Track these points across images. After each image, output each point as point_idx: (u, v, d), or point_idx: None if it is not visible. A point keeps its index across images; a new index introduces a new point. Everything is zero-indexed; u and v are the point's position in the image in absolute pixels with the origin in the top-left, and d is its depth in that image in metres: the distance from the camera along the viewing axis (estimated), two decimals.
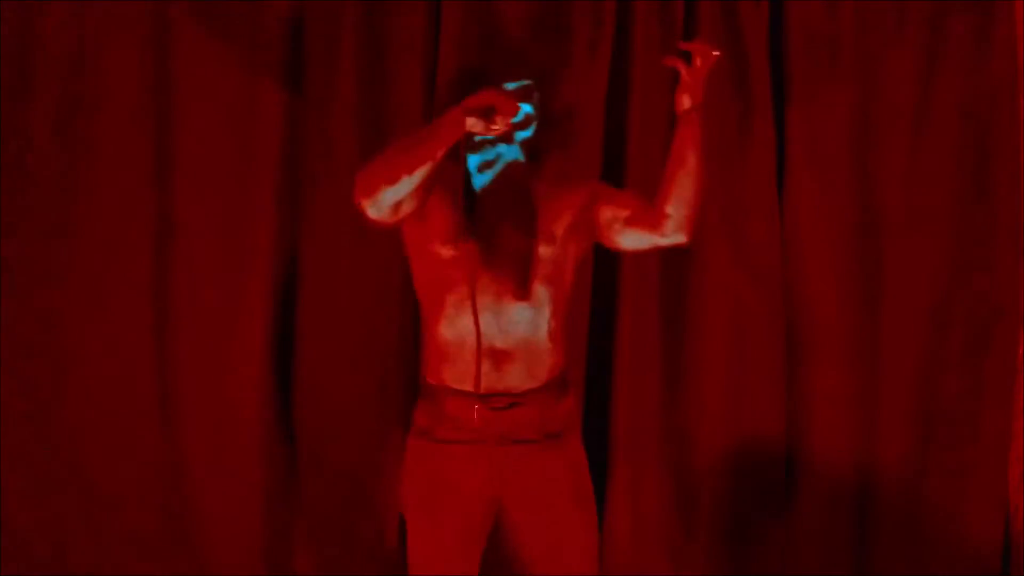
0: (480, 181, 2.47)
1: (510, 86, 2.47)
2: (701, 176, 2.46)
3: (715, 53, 2.44)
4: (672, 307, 3.39)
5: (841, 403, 3.45)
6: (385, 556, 3.35)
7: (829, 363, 3.44)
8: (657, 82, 3.30)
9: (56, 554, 3.36)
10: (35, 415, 3.32)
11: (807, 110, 3.38)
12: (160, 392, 3.35)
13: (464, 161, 2.49)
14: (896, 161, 3.42)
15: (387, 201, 2.34)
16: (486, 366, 2.48)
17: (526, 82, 2.48)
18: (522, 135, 2.47)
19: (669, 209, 2.47)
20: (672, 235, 2.51)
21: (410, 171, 2.31)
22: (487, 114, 2.33)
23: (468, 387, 2.49)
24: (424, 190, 2.39)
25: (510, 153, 2.47)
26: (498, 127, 2.36)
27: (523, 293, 2.47)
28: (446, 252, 2.50)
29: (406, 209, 2.40)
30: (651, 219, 2.50)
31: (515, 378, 2.50)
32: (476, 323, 2.47)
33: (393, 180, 2.32)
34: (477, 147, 2.48)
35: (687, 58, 2.47)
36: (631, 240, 2.56)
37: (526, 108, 2.44)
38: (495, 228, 2.48)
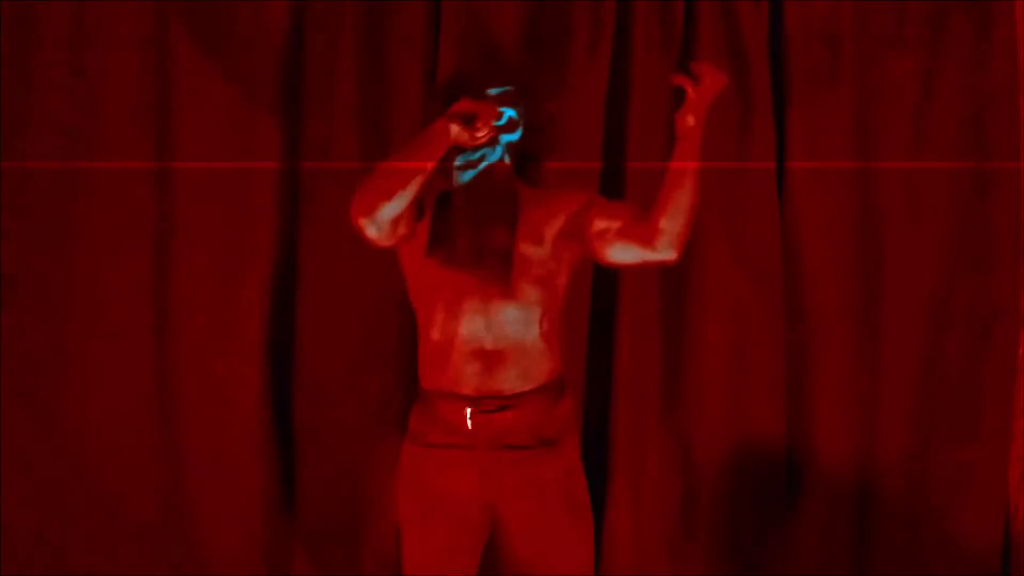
0: (461, 180, 2.48)
1: (493, 92, 2.47)
2: (697, 195, 2.44)
3: (722, 80, 2.43)
4: (672, 307, 3.39)
5: (841, 403, 3.44)
6: (385, 557, 3.35)
7: (829, 363, 3.44)
8: (657, 82, 3.30)
9: (56, 554, 3.35)
10: (35, 416, 3.32)
11: (807, 110, 3.38)
12: (160, 392, 3.34)
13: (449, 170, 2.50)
14: (896, 160, 3.42)
15: (385, 217, 2.37)
16: (477, 368, 2.48)
17: (508, 88, 2.49)
18: (507, 138, 2.48)
19: (663, 224, 2.43)
20: (663, 251, 2.46)
21: (403, 186, 2.35)
22: (469, 121, 2.36)
23: (459, 390, 2.49)
24: (418, 207, 2.46)
25: (494, 155, 2.47)
26: (481, 134, 2.38)
27: (506, 291, 2.47)
28: (432, 256, 2.51)
29: (403, 229, 2.47)
30: (644, 232, 2.47)
31: (507, 380, 2.49)
32: (465, 325, 2.47)
33: (389, 195, 2.35)
34: (462, 148, 2.48)
35: (694, 78, 2.46)
36: (621, 253, 2.52)
37: (509, 112, 2.45)
38: (475, 228, 2.48)
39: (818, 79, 3.37)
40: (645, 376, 3.39)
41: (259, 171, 3.32)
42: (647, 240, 2.46)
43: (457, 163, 2.47)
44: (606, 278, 3.32)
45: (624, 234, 2.49)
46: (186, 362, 3.34)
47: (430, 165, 2.36)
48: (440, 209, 2.51)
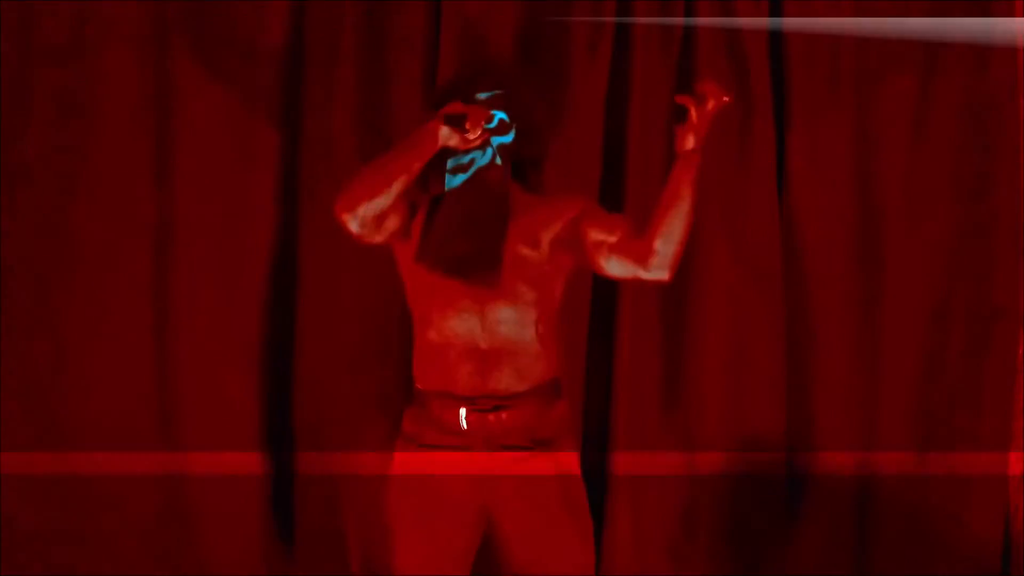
0: (452, 183, 2.48)
1: (482, 95, 2.47)
2: (692, 217, 2.43)
3: (726, 98, 2.40)
4: (672, 307, 3.39)
5: (841, 403, 3.44)
6: (384, 558, 3.35)
7: (829, 363, 3.44)
8: (657, 82, 3.31)
9: (56, 554, 3.35)
10: (35, 415, 3.32)
11: (807, 110, 3.38)
12: (160, 392, 3.34)
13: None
14: (896, 161, 3.42)
15: (367, 214, 2.39)
16: (471, 368, 2.48)
17: (498, 91, 2.49)
18: (499, 140, 2.48)
19: (657, 245, 2.42)
20: (655, 271, 2.45)
21: (387, 185, 2.37)
22: (458, 124, 2.36)
23: (454, 389, 2.49)
24: (406, 205, 2.47)
25: (483, 158, 2.47)
26: (472, 137, 2.38)
27: (497, 292, 2.46)
28: (420, 260, 2.51)
29: (391, 226, 2.47)
30: (638, 251, 2.45)
31: (502, 380, 2.49)
32: (460, 325, 2.47)
33: (371, 195, 2.37)
34: (453, 151, 2.48)
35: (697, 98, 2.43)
36: (615, 267, 2.51)
37: (500, 115, 2.45)
38: (464, 231, 2.48)
39: (818, 79, 3.37)
40: (645, 376, 3.39)
41: (259, 171, 3.32)
42: (641, 259, 2.45)
43: (447, 166, 2.47)
44: (606, 279, 3.32)
45: (619, 250, 2.48)
46: (186, 362, 3.34)
47: (416, 166, 2.38)
48: (431, 212, 2.52)
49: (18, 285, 3.29)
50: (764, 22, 3.35)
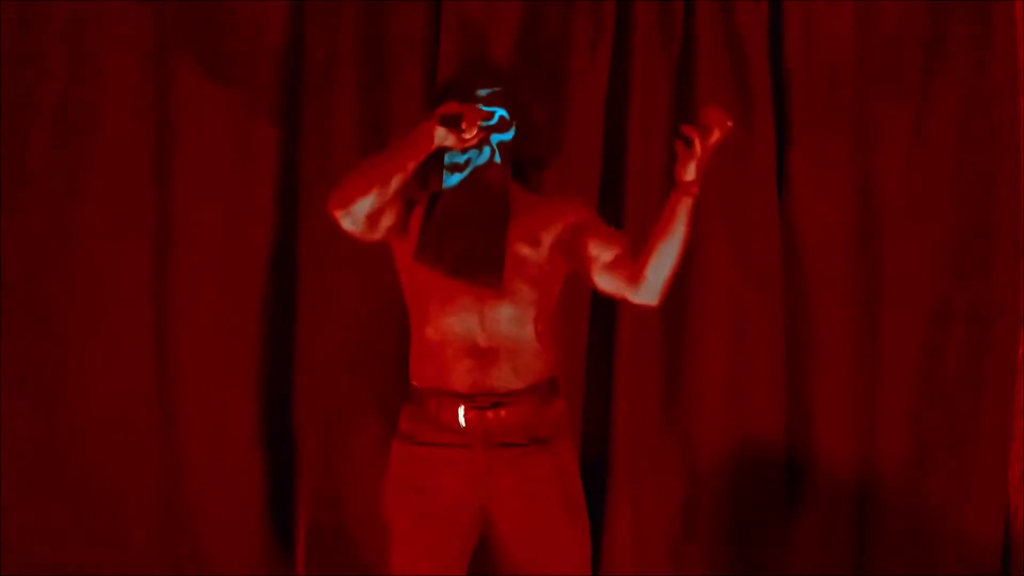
0: (451, 182, 2.48)
1: (481, 93, 2.47)
2: (685, 248, 2.44)
3: (729, 123, 2.38)
4: (672, 307, 3.39)
5: (841, 403, 3.45)
6: (384, 558, 3.35)
7: (829, 363, 3.44)
8: (657, 82, 3.31)
9: (56, 554, 3.35)
10: (35, 415, 3.32)
11: (807, 110, 3.38)
12: (160, 392, 3.34)
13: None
14: (896, 161, 3.42)
15: (360, 212, 2.40)
16: (470, 365, 2.48)
17: (496, 88, 2.49)
18: (499, 138, 2.48)
19: (648, 273, 2.44)
20: (644, 297, 2.48)
21: (381, 183, 2.37)
22: (455, 124, 2.36)
23: (452, 387, 2.49)
24: (401, 203, 2.47)
25: (481, 156, 2.47)
26: (469, 136, 2.38)
27: (498, 288, 2.46)
28: (418, 259, 2.51)
29: (385, 223, 2.48)
30: (629, 275, 2.47)
31: (500, 378, 2.49)
32: (459, 322, 2.47)
33: (364, 192, 2.38)
34: (450, 150, 2.48)
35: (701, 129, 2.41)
36: (605, 284, 2.53)
37: (500, 112, 2.45)
38: (462, 230, 2.48)
39: (818, 79, 3.37)
40: (645, 376, 3.39)
41: (259, 171, 3.32)
42: (630, 283, 2.47)
43: (445, 165, 2.47)
44: None
45: (611, 269, 2.50)
46: (186, 362, 3.34)
47: (411, 166, 2.38)
48: (430, 208, 2.52)
49: (18, 285, 3.29)
50: (764, 22, 3.35)
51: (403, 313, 3.26)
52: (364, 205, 2.39)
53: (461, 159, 2.46)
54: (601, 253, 2.51)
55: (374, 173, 2.40)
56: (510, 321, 2.48)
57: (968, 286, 3.44)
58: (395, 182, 2.38)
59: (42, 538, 3.34)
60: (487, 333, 2.48)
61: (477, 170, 2.46)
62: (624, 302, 3.29)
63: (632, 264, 2.47)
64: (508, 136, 2.47)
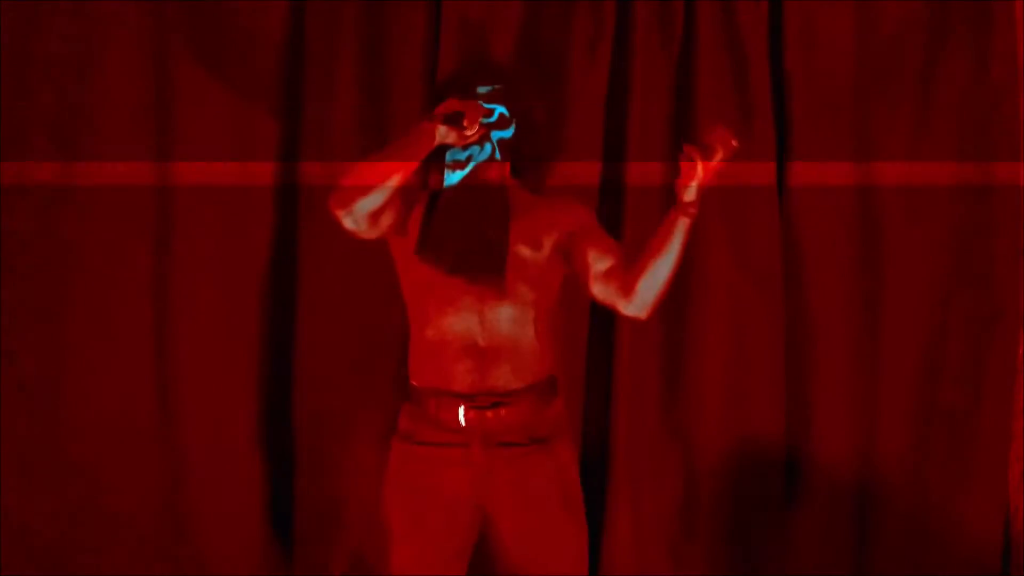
0: (452, 179, 2.48)
1: (482, 90, 2.48)
2: (678, 266, 2.45)
3: (734, 144, 2.38)
4: (672, 307, 3.39)
5: (841, 403, 3.45)
6: (384, 558, 3.35)
7: (829, 363, 3.44)
8: (657, 82, 3.31)
9: (56, 554, 3.35)
10: (35, 414, 3.32)
11: (807, 110, 3.38)
12: (160, 392, 3.34)
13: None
14: (896, 161, 3.42)
15: (362, 211, 2.41)
16: (470, 365, 2.48)
17: (497, 86, 2.49)
18: (499, 135, 2.48)
19: (639, 287, 2.46)
20: (632, 310, 2.51)
21: (382, 181, 2.38)
22: (456, 121, 2.37)
23: (452, 387, 2.50)
24: (402, 201, 2.48)
25: (482, 154, 2.48)
26: (470, 133, 2.39)
27: (500, 288, 2.47)
28: (419, 256, 2.51)
29: (386, 221, 2.49)
30: (622, 286, 2.49)
31: (500, 377, 2.49)
32: (459, 322, 2.47)
33: (367, 190, 2.39)
34: (451, 147, 2.48)
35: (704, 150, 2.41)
36: (598, 292, 2.54)
37: (500, 109, 2.45)
38: (463, 228, 2.48)
39: (818, 79, 3.37)
40: (645, 376, 3.39)
41: (259, 171, 3.32)
42: (622, 295, 2.50)
43: (446, 162, 2.48)
44: None
45: (605, 279, 2.52)
46: (186, 362, 3.34)
47: (412, 165, 2.39)
48: (430, 208, 2.52)
49: (18, 285, 3.29)
50: (764, 22, 3.35)
51: (403, 313, 3.27)
52: (366, 204, 2.39)
53: (462, 156, 2.46)
54: (597, 262, 2.52)
55: (375, 172, 2.40)
56: (510, 321, 2.49)
57: (968, 286, 3.44)
58: (396, 180, 2.38)
59: (43, 538, 3.34)
60: (487, 333, 2.48)
61: (478, 167, 2.47)
62: None
63: (624, 277, 2.48)
64: (508, 133, 2.47)
